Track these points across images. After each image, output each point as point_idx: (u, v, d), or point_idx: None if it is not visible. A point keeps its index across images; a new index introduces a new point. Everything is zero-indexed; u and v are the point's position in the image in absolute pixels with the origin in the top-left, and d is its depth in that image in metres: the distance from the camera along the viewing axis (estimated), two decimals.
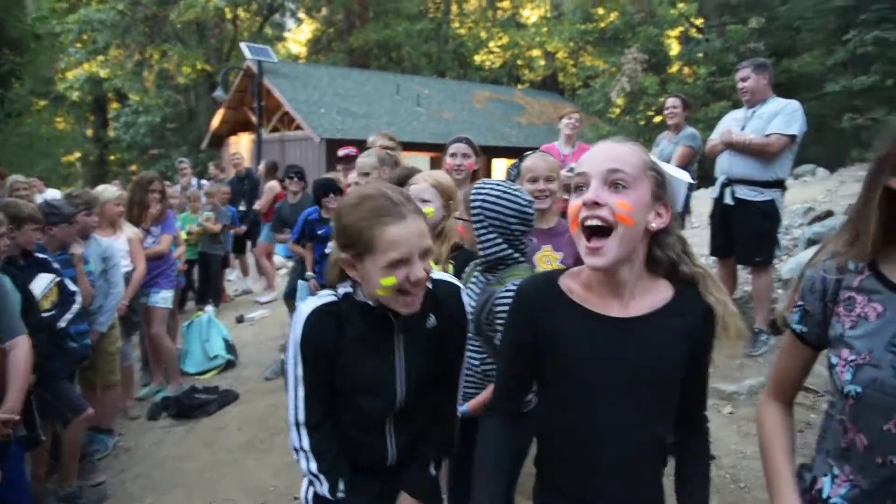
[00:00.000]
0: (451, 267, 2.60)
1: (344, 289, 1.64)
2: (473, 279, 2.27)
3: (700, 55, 20.17)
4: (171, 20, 25.72)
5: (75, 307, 3.64)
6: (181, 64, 26.59)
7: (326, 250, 4.44)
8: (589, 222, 1.27)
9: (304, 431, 1.63)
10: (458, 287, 1.76)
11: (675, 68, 21.99)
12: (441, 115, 20.11)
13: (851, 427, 1.21)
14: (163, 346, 5.21)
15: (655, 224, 1.32)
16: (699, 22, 21.72)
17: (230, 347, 5.90)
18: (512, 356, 1.49)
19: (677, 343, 1.33)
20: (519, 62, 32.39)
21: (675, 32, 23.05)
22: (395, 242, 1.45)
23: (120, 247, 4.61)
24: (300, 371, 1.60)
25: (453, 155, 3.50)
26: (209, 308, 6.51)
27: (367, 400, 1.64)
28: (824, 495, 1.26)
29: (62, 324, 3.53)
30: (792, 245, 6.12)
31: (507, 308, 1.62)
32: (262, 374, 5.41)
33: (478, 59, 33.61)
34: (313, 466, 1.64)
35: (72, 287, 3.66)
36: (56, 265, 3.59)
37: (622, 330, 1.33)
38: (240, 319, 7.25)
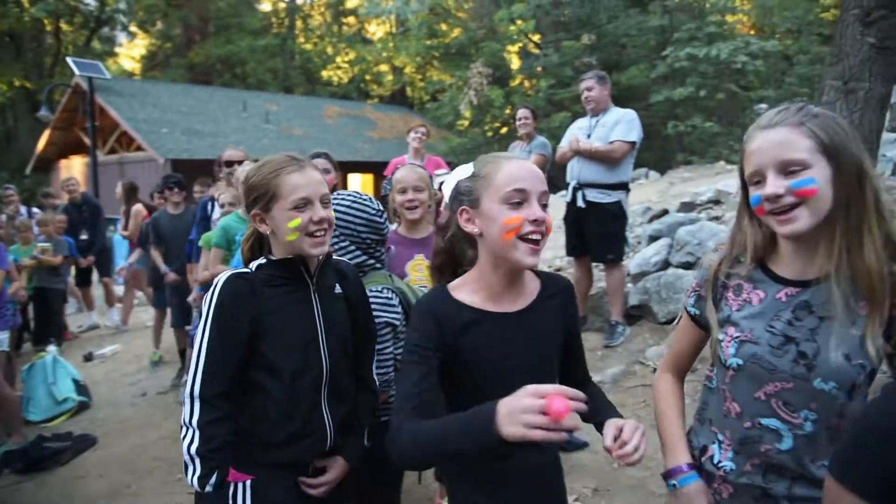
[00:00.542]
0: None
1: (256, 263, 1.75)
2: None
3: (539, 69, 21.42)
4: None
5: None
6: None
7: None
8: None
9: (196, 406, 1.59)
10: (356, 269, 2.01)
11: (517, 81, 23.17)
12: (291, 131, 19.77)
13: (729, 396, 1.38)
14: (1, 395, 4.67)
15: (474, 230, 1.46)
16: (537, 38, 23.04)
17: (81, 388, 5.41)
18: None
19: (558, 322, 1.52)
20: (367, 77, 32.58)
21: (514, 48, 24.29)
22: (297, 186, 1.66)
23: None
24: (207, 341, 1.61)
25: None
26: (52, 347, 5.92)
27: (296, 363, 1.68)
28: (716, 461, 1.41)
29: None
30: (636, 242, 6.66)
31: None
32: (120, 414, 5.02)
33: (325, 74, 33.43)
34: (193, 447, 1.57)
35: None
36: None
37: (516, 323, 1.46)
38: (88, 357, 6.68)
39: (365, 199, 2.20)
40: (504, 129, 21.57)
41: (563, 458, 3.52)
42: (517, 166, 1.41)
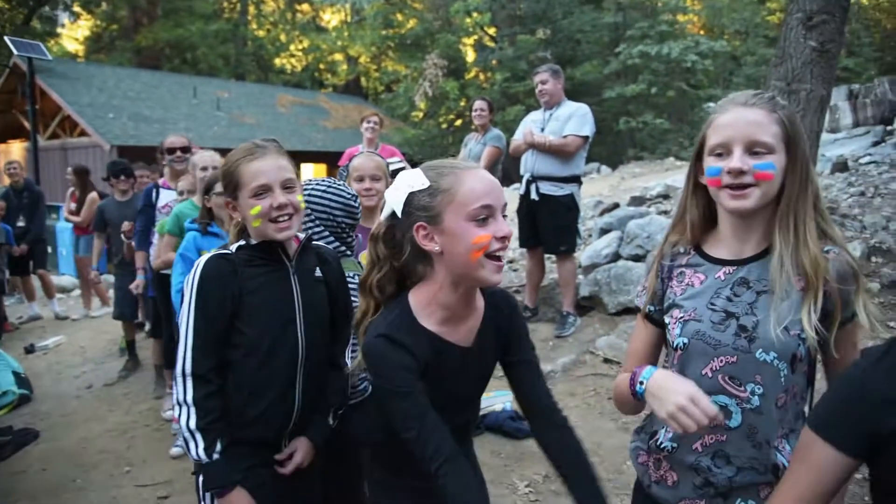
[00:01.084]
0: None
1: (236, 245, 1.79)
2: None
3: (494, 62, 21.52)
4: None
5: None
6: None
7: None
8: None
9: (189, 383, 1.64)
10: (337, 255, 2.03)
11: (472, 74, 23.22)
12: (243, 119, 19.37)
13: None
14: None
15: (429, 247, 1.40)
16: (492, 31, 23.13)
17: (23, 381, 5.22)
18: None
19: (497, 350, 1.55)
20: (321, 66, 32.15)
21: (470, 41, 24.33)
22: (256, 173, 1.71)
23: None
24: (192, 319, 1.66)
25: None
26: None
27: (272, 342, 1.71)
28: (659, 443, 1.45)
29: None
30: (588, 235, 6.79)
31: None
32: (65, 407, 4.87)
33: (279, 62, 32.86)
34: (192, 422, 1.63)
35: None
36: None
37: (474, 358, 1.50)
38: (30, 349, 6.45)
39: (339, 184, 2.23)
40: (459, 122, 21.62)
41: (515, 446, 3.60)
42: (479, 180, 1.37)
